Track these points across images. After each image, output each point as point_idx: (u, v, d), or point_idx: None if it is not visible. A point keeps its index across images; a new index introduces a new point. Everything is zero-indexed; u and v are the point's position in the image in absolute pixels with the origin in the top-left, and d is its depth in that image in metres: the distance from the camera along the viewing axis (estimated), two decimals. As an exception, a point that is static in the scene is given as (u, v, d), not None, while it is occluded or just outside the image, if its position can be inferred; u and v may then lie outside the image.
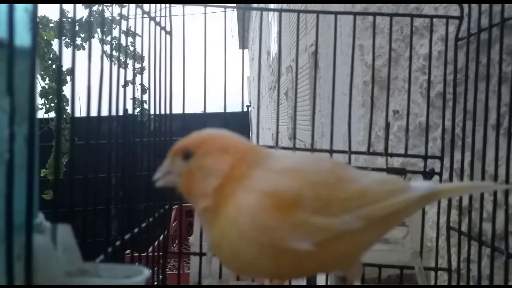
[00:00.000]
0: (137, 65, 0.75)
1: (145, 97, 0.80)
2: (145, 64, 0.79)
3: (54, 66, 2.19)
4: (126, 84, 0.67)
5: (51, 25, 2.37)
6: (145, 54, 0.78)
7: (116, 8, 0.65)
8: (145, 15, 0.77)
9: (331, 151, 0.92)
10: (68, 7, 0.53)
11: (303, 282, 0.94)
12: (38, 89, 2.29)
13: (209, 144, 0.54)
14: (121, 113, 0.66)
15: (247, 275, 0.57)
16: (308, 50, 2.50)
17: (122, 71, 0.67)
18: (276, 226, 0.50)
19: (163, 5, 0.88)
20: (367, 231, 0.54)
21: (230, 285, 0.89)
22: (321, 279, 0.93)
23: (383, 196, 0.56)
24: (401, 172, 0.90)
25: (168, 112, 0.90)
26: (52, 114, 2.36)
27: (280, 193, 0.51)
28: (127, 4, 0.71)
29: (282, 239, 0.50)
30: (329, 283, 0.90)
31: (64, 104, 1.58)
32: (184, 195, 0.56)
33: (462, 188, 0.66)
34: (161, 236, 0.93)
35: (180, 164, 0.55)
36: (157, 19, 0.84)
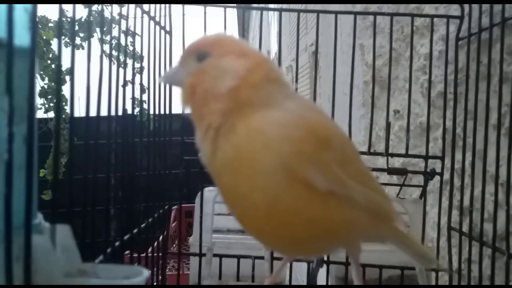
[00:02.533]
0: (137, 65, 0.75)
1: (145, 97, 0.80)
2: (145, 63, 0.79)
3: (53, 66, 2.19)
4: (125, 84, 0.67)
5: (50, 24, 2.37)
6: (145, 53, 0.78)
7: (115, 8, 0.65)
8: (145, 15, 0.77)
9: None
10: (67, 7, 0.53)
11: (303, 282, 0.93)
12: (37, 89, 2.29)
13: (226, 46, 0.50)
14: (120, 113, 0.66)
15: (253, 216, 0.49)
16: (308, 50, 2.50)
17: (121, 71, 0.66)
18: (304, 150, 0.46)
19: (162, 5, 0.88)
20: (363, 214, 0.52)
21: (230, 285, 0.89)
22: (321, 279, 0.92)
23: (379, 189, 0.56)
24: (402, 172, 0.90)
25: (167, 112, 0.90)
26: (51, 114, 2.35)
27: (315, 124, 0.48)
28: (126, 4, 0.71)
29: (305, 166, 0.46)
30: (329, 283, 0.90)
31: (63, 104, 1.58)
32: (186, 102, 0.51)
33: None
34: (161, 237, 0.93)
35: (192, 64, 0.50)
36: (157, 19, 0.84)
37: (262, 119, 0.46)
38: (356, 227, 0.53)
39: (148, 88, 0.80)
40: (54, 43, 2.31)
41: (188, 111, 0.52)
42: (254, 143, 0.46)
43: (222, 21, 0.92)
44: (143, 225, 0.81)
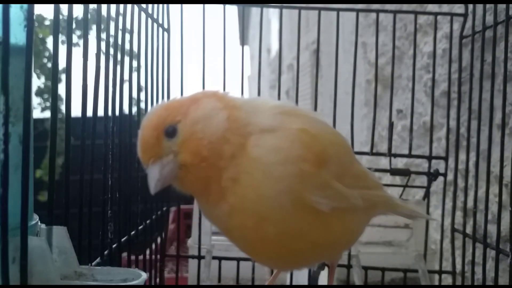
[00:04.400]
0: (134, 63, 0.74)
1: (142, 96, 0.79)
2: (142, 62, 0.78)
3: (49, 65, 2.18)
4: (122, 83, 0.66)
5: (46, 23, 2.36)
6: (142, 51, 0.77)
7: (112, 5, 0.64)
8: (142, 12, 0.76)
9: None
10: (63, 5, 0.52)
11: (303, 282, 0.93)
12: (34, 88, 2.28)
13: (181, 106, 0.47)
14: (117, 112, 0.65)
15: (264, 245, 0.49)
16: (309, 48, 2.49)
17: (118, 69, 0.66)
18: (304, 170, 0.46)
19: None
20: (361, 215, 0.54)
21: (230, 285, 0.89)
22: (321, 279, 0.92)
23: (377, 185, 0.57)
24: (405, 173, 0.89)
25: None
26: (48, 114, 2.35)
27: (309, 139, 0.47)
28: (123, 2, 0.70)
29: (308, 188, 0.46)
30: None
31: (60, 103, 1.57)
32: (192, 173, 0.47)
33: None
34: (159, 239, 0.92)
35: (170, 146, 0.46)
36: (155, 16, 0.83)
37: (258, 148, 0.46)
38: (358, 233, 0.56)
39: (146, 87, 0.79)
40: (50, 41, 2.30)
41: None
42: (256, 174, 0.46)
43: (221, 18, 0.91)
44: (141, 227, 0.80)
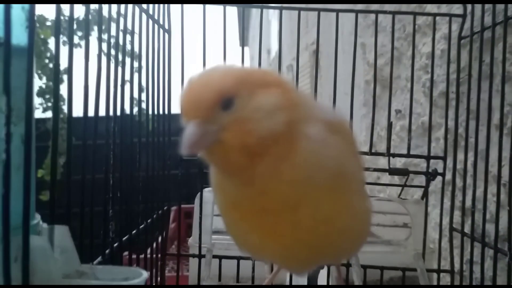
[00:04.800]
0: (135, 64, 0.75)
1: (143, 96, 0.80)
2: (143, 62, 0.79)
3: (51, 65, 2.18)
4: (123, 83, 0.67)
5: (48, 23, 2.36)
6: (143, 52, 0.78)
7: (114, 6, 0.64)
8: (143, 13, 0.76)
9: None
10: (65, 5, 0.53)
11: (303, 282, 0.93)
12: (35, 88, 2.28)
13: (248, 82, 0.44)
14: (118, 113, 0.65)
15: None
16: (309, 49, 2.49)
17: (119, 70, 0.66)
18: (349, 157, 0.50)
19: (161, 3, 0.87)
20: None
21: (230, 285, 0.89)
22: (321, 279, 0.92)
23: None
24: (403, 172, 0.89)
25: (166, 112, 0.89)
26: (49, 114, 2.35)
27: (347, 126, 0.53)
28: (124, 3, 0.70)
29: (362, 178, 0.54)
30: (329, 283, 0.90)
31: (61, 103, 1.57)
32: (228, 154, 0.43)
33: None
34: (160, 238, 0.93)
35: (220, 117, 0.42)
36: (155, 17, 0.83)
37: (311, 140, 0.45)
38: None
39: (147, 88, 0.80)
40: (51, 42, 2.30)
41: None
42: (311, 165, 0.45)
43: (221, 19, 0.91)
44: (142, 226, 0.80)
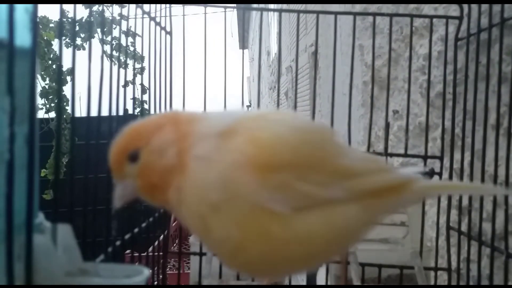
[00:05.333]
0: (137, 65, 0.75)
1: (145, 97, 0.80)
2: (145, 64, 0.79)
3: (54, 66, 2.19)
4: (126, 84, 0.67)
5: (51, 25, 2.36)
6: (145, 54, 0.78)
7: (116, 8, 0.65)
8: (145, 15, 0.77)
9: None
10: (68, 7, 0.53)
11: (303, 282, 0.94)
12: (38, 89, 2.29)
13: (144, 133, 0.50)
14: (121, 113, 0.66)
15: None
16: (308, 50, 2.49)
17: (122, 71, 0.67)
18: (250, 184, 0.46)
19: (163, 5, 0.88)
20: (351, 206, 0.50)
21: (230, 285, 0.89)
22: (321, 279, 0.93)
23: (366, 172, 0.53)
24: (401, 172, 0.90)
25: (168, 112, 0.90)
26: (52, 114, 2.35)
27: (256, 151, 0.46)
28: (127, 4, 0.71)
29: (261, 194, 0.46)
30: (329, 283, 0.90)
31: (64, 104, 1.58)
32: (148, 196, 0.51)
33: (455, 187, 0.66)
34: (161, 236, 0.93)
35: (132, 169, 0.50)
36: (157, 19, 0.84)
37: (197, 161, 0.48)
38: (351, 231, 0.51)
39: (149, 88, 0.80)
40: (55, 44, 2.31)
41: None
42: (206, 179, 0.47)
43: (222, 22, 0.92)
44: (143, 225, 0.81)
